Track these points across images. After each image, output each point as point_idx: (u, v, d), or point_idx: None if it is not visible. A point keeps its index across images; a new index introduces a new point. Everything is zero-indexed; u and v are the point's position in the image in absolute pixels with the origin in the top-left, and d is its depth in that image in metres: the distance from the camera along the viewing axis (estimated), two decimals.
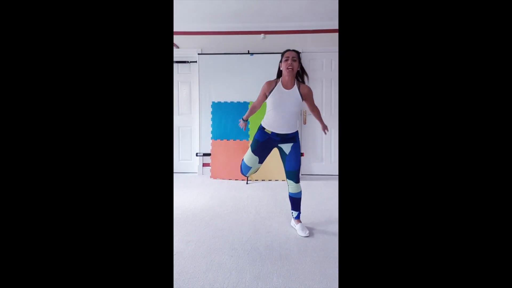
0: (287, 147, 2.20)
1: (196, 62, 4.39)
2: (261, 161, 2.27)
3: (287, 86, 2.13)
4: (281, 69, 2.16)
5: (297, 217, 2.39)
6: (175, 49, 4.36)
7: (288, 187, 2.33)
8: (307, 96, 2.19)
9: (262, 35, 4.28)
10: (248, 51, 4.26)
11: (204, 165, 4.47)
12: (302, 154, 4.29)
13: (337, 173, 3.97)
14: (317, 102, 4.37)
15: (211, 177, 4.25)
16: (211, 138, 4.31)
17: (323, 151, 4.41)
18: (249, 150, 2.26)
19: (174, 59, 4.41)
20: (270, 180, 4.12)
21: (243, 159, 2.33)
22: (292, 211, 2.40)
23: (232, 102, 4.27)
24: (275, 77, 2.28)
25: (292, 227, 2.43)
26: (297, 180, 2.28)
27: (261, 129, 2.23)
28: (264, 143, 2.21)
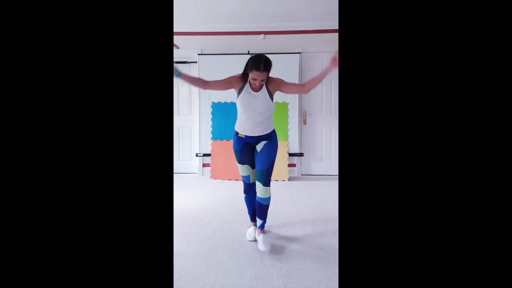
0: (260, 145, 2.09)
1: (196, 62, 4.39)
2: (252, 165, 2.16)
3: (255, 89, 1.99)
4: (248, 75, 1.99)
5: (261, 226, 2.14)
6: (175, 50, 4.36)
7: (256, 189, 2.12)
8: (276, 86, 2.00)
9: (262, 35, 4.28)
10: (248, 51, 4.26)
11: (204, 165, 4.47)
12: (302, 155, 4.28)
13: (337, 173, 3.96)
14: (317, 102, 4.38)
15: (211, 177, 4.24)
16: (211, 139, 4.31)
17: (323, 151, 4.41)
18: (237, 163, 2.20)
19: (174, 60, 4.41)
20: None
21: (242, 177, 2.24)
22: (257, 218, 2.16)
23: (232, 103, 4.27)
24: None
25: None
26: (265, 183, 2.05)
27: (235, 135, 2.14)
28: (243, 149, 2.12)
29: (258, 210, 2.13)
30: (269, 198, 2.09)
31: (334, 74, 4.32)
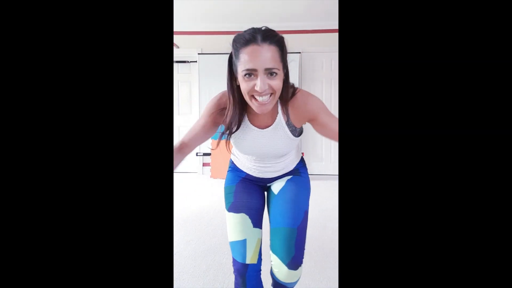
0: (278, 184, 1.17)
1: (196, 62, 4.39)
2: (254, 220, 1.13)
3: (260, 124, 1.03)
4: (238, 84, 0.97)
5: None
6: (175, 49, 4.36)
7: (272, 267, 1.13)
8: (307, 116, 1.01)
9: None
10: None
11: (204, 164, 4.48)
12: (302, 154, 4.22)
13: (337, 173, 3.97)
14: None
15: (211, 176, 4.25)
16: (211, 138, 4.30)
17: (323, 151, 4.41)
18: (227, 214, 1.14)
19: (174, 59, 4.41)
20: None
21: (230, 246, 1.12)
22: None
23: None
24: None
25: None
26: (293, 259, 1.04)
27: (233, 169, 1.23)
28: (242, 184, 1.18)
29: None
30: (295, 283, 1.11)
31: (334, 74, 4.32)
